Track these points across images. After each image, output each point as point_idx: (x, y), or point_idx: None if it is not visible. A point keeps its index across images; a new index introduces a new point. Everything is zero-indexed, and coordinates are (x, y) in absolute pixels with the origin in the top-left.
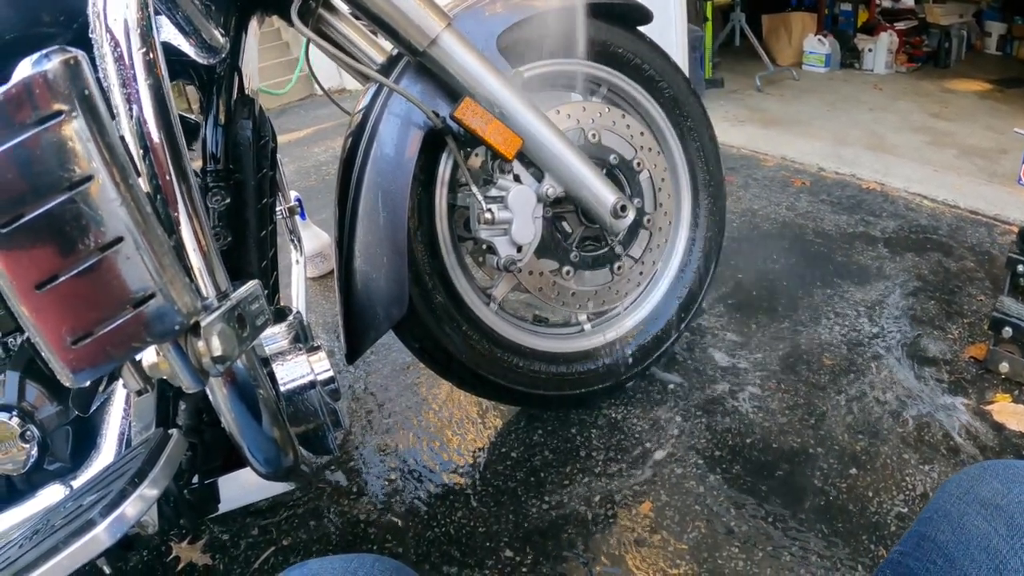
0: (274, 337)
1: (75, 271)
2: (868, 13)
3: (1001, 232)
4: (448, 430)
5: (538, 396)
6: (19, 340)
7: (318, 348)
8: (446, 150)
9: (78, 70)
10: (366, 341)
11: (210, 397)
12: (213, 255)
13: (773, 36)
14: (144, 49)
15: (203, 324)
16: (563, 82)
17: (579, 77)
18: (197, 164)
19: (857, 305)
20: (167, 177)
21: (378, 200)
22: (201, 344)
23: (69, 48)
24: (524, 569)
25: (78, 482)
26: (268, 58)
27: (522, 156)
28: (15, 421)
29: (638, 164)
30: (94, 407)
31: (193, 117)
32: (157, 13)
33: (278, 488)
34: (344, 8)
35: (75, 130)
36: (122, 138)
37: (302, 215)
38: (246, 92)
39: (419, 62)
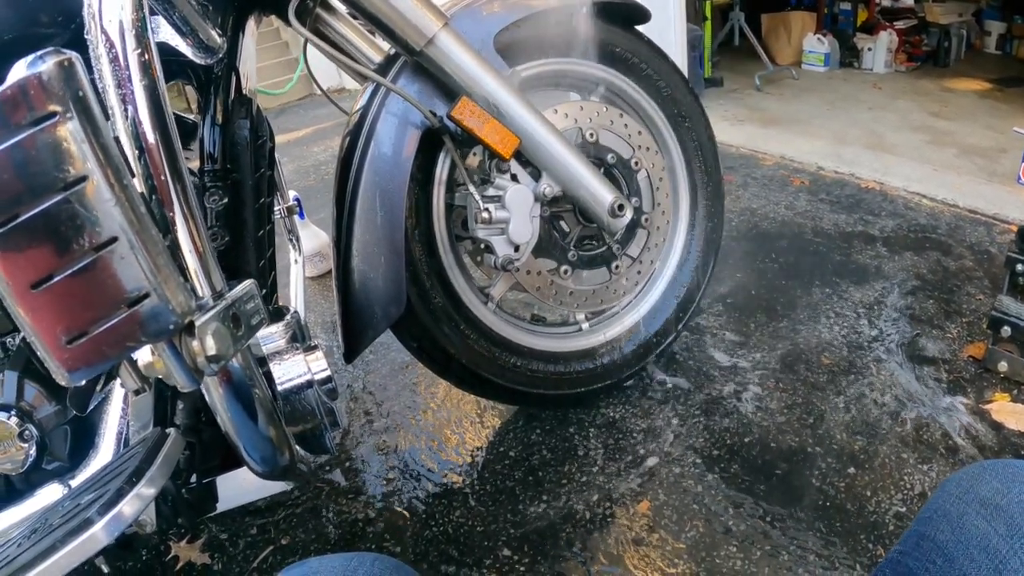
0: (271, 336)
1: (70, 271)
2: (867, 12)
3: (1000, 231)
4: (446, 429)
5: (536, 395)
6: (17, 340)
7: (315, 347)
8: (443, 149)
9: (72, 71)
10: (364, 340)
11: (206, 396)
12: (208, 255)
13: (772, 35)
14: (139, 50)
15: (198, 324)
16: (560, 81)
17: (576, 76)
18: (195, 164)
19: (856, 304)
20: (162, 178)
21: (376, 200)
22: (196, 343)
23: (64, 50)
24: (522, 568)
25: (76, 481)
26: (267, 58)
27: (519, 155)
28: (13, 421)
29: (636, 163)
30: (92, 406)
31: (191, 117)
32: (153, 14)
33: (276, 487)
34: (341, 8)
35: (69, 131)
36: (117, 139)
37: (300, 215)
38: (244, 92)
39: (416, 62)
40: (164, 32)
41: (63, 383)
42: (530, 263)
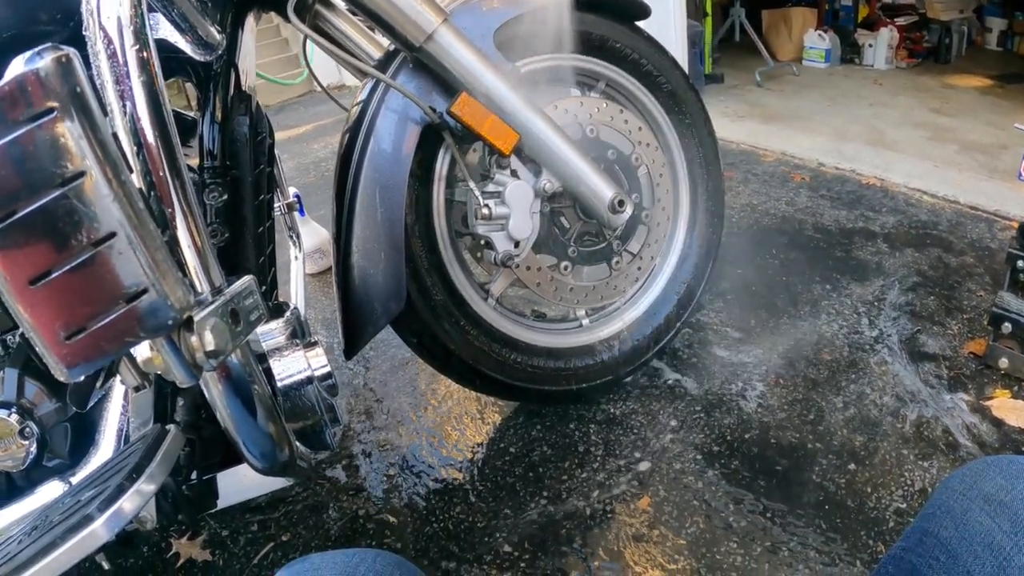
0: (271, 333)
1: (68, 266)
2: (868, 8)
3: (1001, 228)
4: (447, 426)
5: (537, 391)
6: (17, 337)
7: (315, 344)
8: (443, 145)
9: (70, 67)
10: (364, 336)
11: (205, 392)
12: (207, 250)
13: (773, 31)
14: (137, 46)
15: (196, 319)
16: (560, 77)
17: (577, 72)
18: (194, 161)
19: (856, 301)
20: (160, 173)
21: (376, 196)
22: (194, 339)
23: (61, 46)
24: (523, 564)
25: (77, 478)
26: (267, 55)
27: (519, 151)
28: (14, 418)
29: (636, 159)
30: (92, 403)
31: (191, 114)
32: (152, 10)
33: (276, 484)
34: (341, 4)
35: (67, 127)
36: (115, 135)
37: (301, 211)
38: (243, 88)
39: (416, 58)
40: (163, 29)
41: (62, 379)
42: (530, 259)
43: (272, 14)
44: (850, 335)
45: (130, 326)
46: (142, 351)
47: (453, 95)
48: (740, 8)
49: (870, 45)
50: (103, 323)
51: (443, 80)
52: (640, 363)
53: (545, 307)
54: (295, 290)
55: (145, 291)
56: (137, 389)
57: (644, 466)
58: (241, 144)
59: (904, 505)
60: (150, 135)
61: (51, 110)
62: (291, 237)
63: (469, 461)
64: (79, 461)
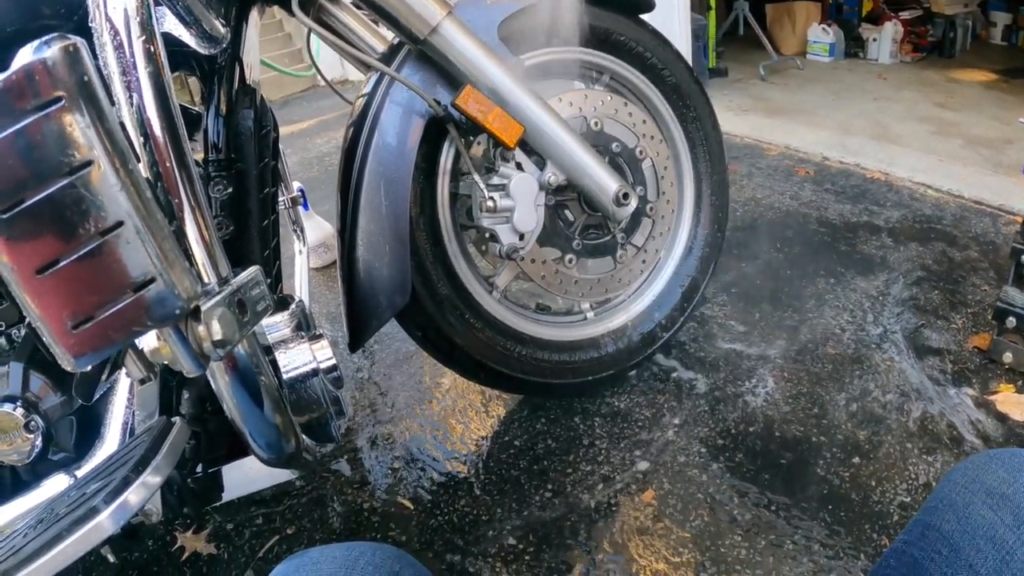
0: (276, 325)
1: (76, 255)
2: (873, 2)
3: (1006, 222)
4: (451, 419)
5: (541, 384)
6: (23, 331)
7: (320, 336)
8: (448, 138)
9: (77, 56)
10: (369, 329)
11: (212, 383)
12: (214, 241)
13: (777, 25)
14: (144, 37)
15: (203, 308)
16: (565, 70)
17: (581, 65)
18: (199, 154)
19: (861, 294)
20: (167, 164)
21: (380, 189)
22: (201, 328)
23: (69, 35)
24: (527, 557)
25: (82, 471)
26: (271, 49)
27: (524, 144)
28: (19, 412)
29: (641, 152)
30: (97, 396)
31: (196, 108)
32: (157, 3)
33: (281, 476)
34: None
35: (75, 116)
36: (122, 125)
37: (305, 205)
38: (247, 82)
39: (420, 50)
40: (168, 22)
41: (69, 368)
42: (535, 252)
43: (276, 8)
44: (854, 329)
45: (138, 315)
46: (149, 341)
47: (457, 88)
48: (744, 2)
49: (874, 39)
50: (110, 312)
51: (447, 73)
52: (645, 356)
53: (550, 300)
54: (299, 284)
55: (152, 280)
56: (143, 382)
57: (648, 459)
58: (245, 138)
59: (908, 499)
60: (157, 126)
61: (59, 99)
62: (295, 231)
63: (474, 454)
64: (84, 454)
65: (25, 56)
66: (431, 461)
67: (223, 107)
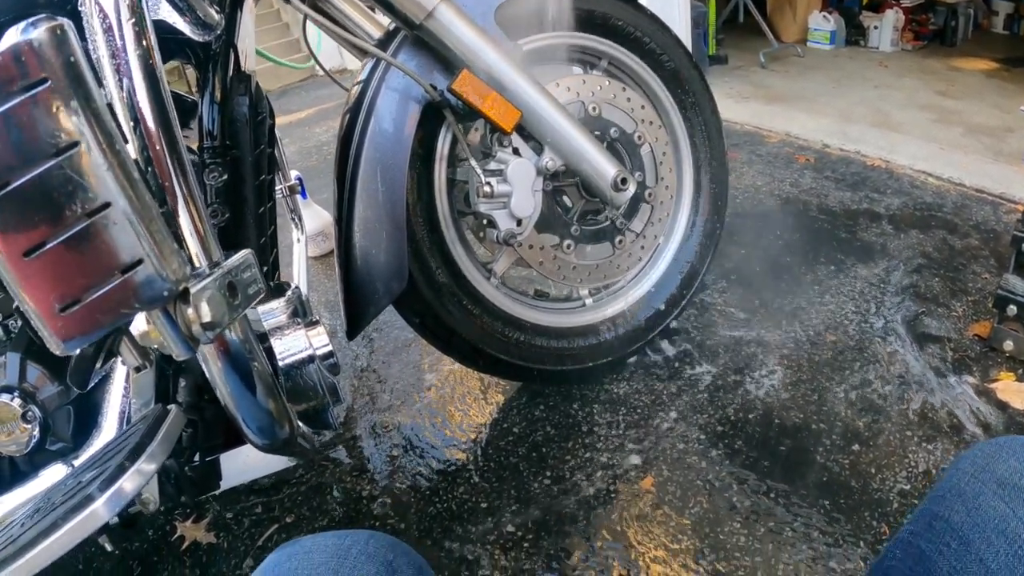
0: (272, 312)
1: (63, 237)
2: None
3: (1007, 210)
4: (450, 406)
5: (540, 371)
6: (19, 322)
7: (317, 322)
8: (445, 124)
9: (64, 38)
10: (367, 316)
11: (204, 369)
12: (205, 225)
13: (778, 12)
14: (133, 20)
15: (192, 291)
16: (563, 55)
17: (579, 50)
18: (195, 142)
19: (861, 282)
20: (157, 147)
21: (377, 176)
22: (190, 311)
23: (55, 17)
24: (526, 544)
25: (79, 461)
26: (268, 39)
27: (521, 129)
28: (17, 402)
29: (639, 137)
30: (93, 384)
31: (192, 96)
32: None
33: (279, 464)
34: None
35: (61, 97)
36: (111, 107)
37: (303, 194)
38: (243, 69)
39: (416, 36)
40: (163, 10)
41: (57, 352)
42: (533, 238)
43: None
44: (854, 316)
45: (125, 297)
46: (139, 325)
47: (454, 73)
48: None
49: (875, 27)
50: (98, 294)
51: (444, 58)
52: (644, 343)
53: (548, 286)
54: (297, 272)
55: (140, 262)
56: (138, 369)
57: (647, 446)
58: (241, 124)
59: (908, 486)
60: (146, 109)
61: (44, 80)
62: (293, 220)
63: (472, 441)
64: (82, 444)
65: (11, 37)
66: (430, 448)
67: (218, 94)
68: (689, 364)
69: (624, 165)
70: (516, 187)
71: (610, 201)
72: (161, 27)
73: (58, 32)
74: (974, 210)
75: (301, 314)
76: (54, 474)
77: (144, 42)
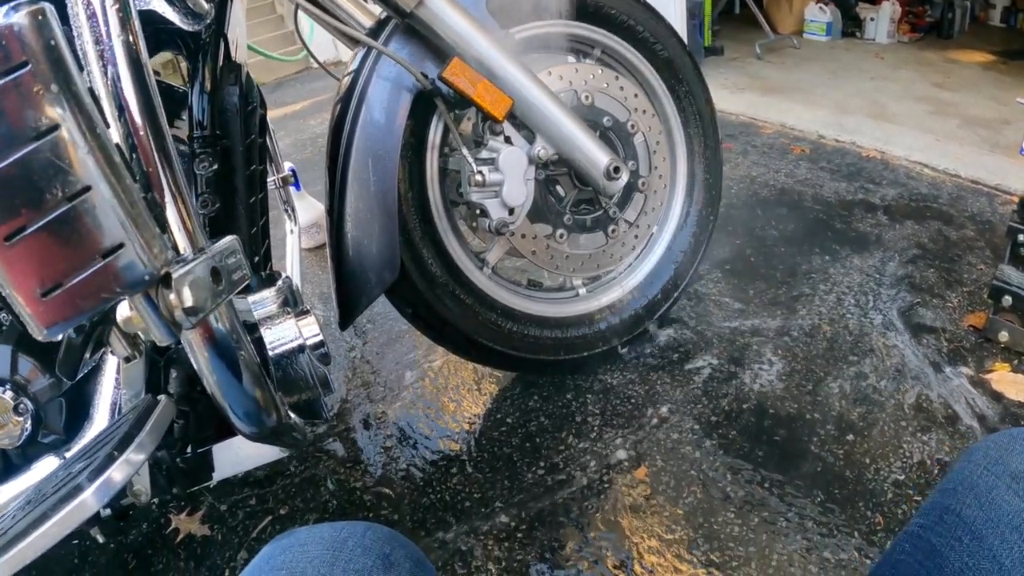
0: (263, 302)
1: (43, 221)
2: None
3: (1002, 202)
4: (444, 397)
5: (533, 361)
6: (10, 315)
7: (307, 312)
8: (436, 113)
9: (45, 21)
10: (359, 306)
11: (190, 356)
12: (190, 210)
13: (774, 4)
14: (117, 5)
15: (175, 275)
16: (555, 44)
17: (572, 39)
18: (185, 132)
19: (856, 272)
20: (141, 133)
21: (368, 166)
22: (172, 296)
23: (38, 0)
24: (519, 535)
25: (71, 452)
26: (262, 32)
27: (513, 117)
28: (8, 395)
29: (632, 126)
30: (85, 376)
31: (183, 87)
32: None
33: (272, 455)
34: None
35: (41, 80)
36: (92, 91)
37: (296, 185)
38: (232, 59)
39: (407, 24)
40: (152, 0)
41: (39, 338)
42: (525, 227)
43: None
44: (849, 307)
45: (107, 282)
46: (122, 311)
47: (445, 61)
48: None
49: (872, 19)
50: (80, 279)
51: (435, 47)
52: (637, 333)
53: (541, 276)
54: (290, 263)
55: (122, 246)
56: (128, 360)
57: (641, 436)
58: (231, 114)
59: (903, 477)
60: (129, 92)
61: (25, 63)
62: (286, 211)
63: (466, 432)
64: (74, 435)
65: None
66: (423, 439)
67: (208, 84)
68: (683, 354)
69: (617, 154)
70: (508, 176)
71: (603, 190)
72: (151, 17)
73: (39, 16)
74: (970, 201)
75: (292, 304)
76: (47, 466)
77: (128, 28)
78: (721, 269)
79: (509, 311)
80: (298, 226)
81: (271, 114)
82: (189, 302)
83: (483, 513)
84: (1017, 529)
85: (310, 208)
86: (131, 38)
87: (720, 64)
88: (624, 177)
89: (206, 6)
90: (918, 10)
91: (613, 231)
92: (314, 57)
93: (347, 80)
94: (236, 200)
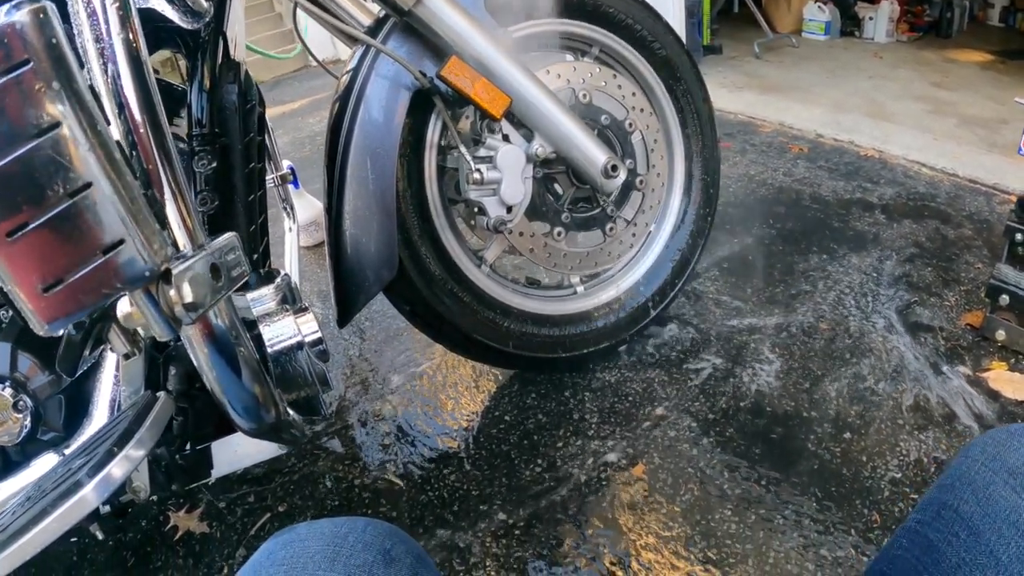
0: (262, 299)
1: (45, 218)
2: None
3: (1000, 201)
4: (442, 394)
5: (531, 359)
6: (10, 312)
7: (306, 309)
8: (434, 111)
9: (47, 19)
10: (357, 304)
11: (189, 352)
12: (190, 207)
13: (772, 3)
14: (117, 3)
15: (174, 271)
16: (553, 42)
17: (570, 37)
18: (184, 130)
19: (853, 271)
20: (141, 130)
21: (367, 164)
22: (172, 291)
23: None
24: (517, 532)
25: (71, 449)
26: (260, 30)
27: (511, 116)
28: (8, 392)
29: (630, 125)
30: (84, 373)
31: (183, 85)
32: None
33: (271, 452)
34: None
35: (42, 78)
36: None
37: (295, 184)
38: (232, 57)
39: (406, 22)
40: None
41: (41, 333)
42: (523, 225)
43: None
44: (847, 305)
45: (107, 277)
46: (123, 307)
47: (444, 59)
48: None
49: (870, 18)
50: (80, 275)
51: (433, 45)
52: (635, 330)
53: (539, 274)
54: (289, 261)
55: (122, 242)
56: (127, 357)
57: (639, 434)
58: (230, 112)
59: (899, 475)
60: (129, 90)
61: (27, 61)
62: (285, 209)
63: (464, 429)
64: (73, 432)
65: None
66: (422, 437)
67: (207, 82)
68: (681, 352)
69: (615, 152)
70: (506, 174)
71: (600, 188)
72: (150, 15)
73: (41, 15)
74: (967, 200)
75: (290, 301)
76: (46, 463)
77: (128, 26)
78: (719, 267)
79: (507, 308)
80: (297, 224)
81: (270, 112)
82: (189, 298)
83: (481, 510)
84: (1014, 525)
85: (309, 206)
86: (131, 36)
87: (718, 63)
88: (622, 175)
89: (205, 4)
90: (917, 9)
91: (611, 229)
92: (313, 55)
93: (346, 78)
94: (235, 197)
